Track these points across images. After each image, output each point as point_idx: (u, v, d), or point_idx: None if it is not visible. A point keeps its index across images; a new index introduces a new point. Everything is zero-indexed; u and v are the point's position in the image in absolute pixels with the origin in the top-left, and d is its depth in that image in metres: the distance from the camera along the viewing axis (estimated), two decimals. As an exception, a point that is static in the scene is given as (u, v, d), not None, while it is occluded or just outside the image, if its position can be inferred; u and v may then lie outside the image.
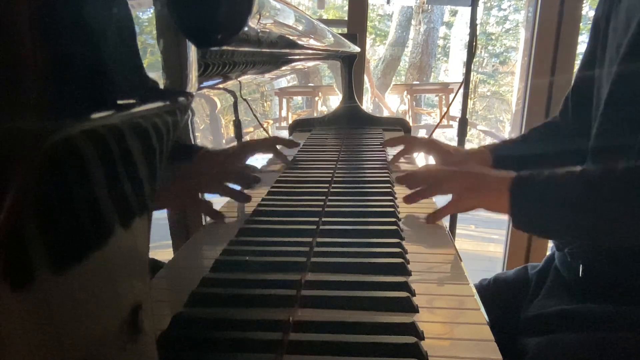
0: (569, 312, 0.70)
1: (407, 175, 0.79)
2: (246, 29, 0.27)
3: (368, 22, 1.93)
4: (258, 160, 1.00)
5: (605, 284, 0.71)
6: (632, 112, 0.69)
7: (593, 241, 0.72)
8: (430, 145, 1.03)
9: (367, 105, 5.58)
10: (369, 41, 7.04)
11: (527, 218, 0.66)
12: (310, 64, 1.53)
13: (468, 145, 1.75)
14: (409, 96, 5.44)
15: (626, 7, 0.73)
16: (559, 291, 0.77)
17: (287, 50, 0.96)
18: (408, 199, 0.76)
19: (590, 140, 0.77)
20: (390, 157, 1.10)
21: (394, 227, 0.65)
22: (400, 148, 1.08)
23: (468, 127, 1.80)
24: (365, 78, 3.21)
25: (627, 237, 0.63)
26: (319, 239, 0.61)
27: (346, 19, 1.86)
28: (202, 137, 0.77)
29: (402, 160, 1.08)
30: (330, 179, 0.89)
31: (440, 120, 2.95)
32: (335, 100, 1.69)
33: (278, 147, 1.06)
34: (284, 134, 1.45)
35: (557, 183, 0.64)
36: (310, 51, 1.16)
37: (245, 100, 0.95)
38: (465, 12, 5.80)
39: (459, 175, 0.72)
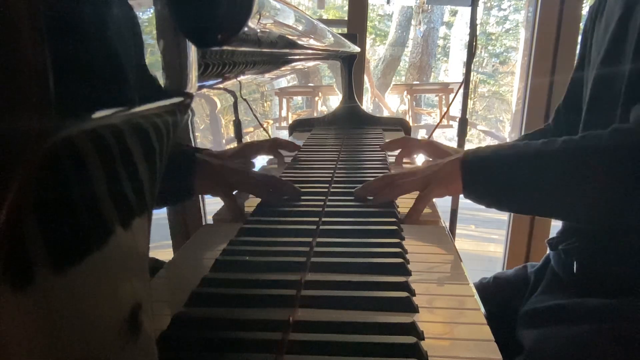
0: (563, 306, 0.71)
1: (364, 186, 0.76)
2: (246, 29, 0.27)
3: (368, 22, 1.93)
4: (257, 160, 1.00)
5: (599, 279, 0.72)
6: (608, 114, 0.71)
7: (538, 210, 0.74)
8: (429, 147, 1.03)
9: (367, 105, 5.58)
10: (369, 41, 7.04)
11: (477, 185, 0.68)
12: (310, 64, 1.54)
13: (468, 146, 1.75)
14: (409, 96, 5.45)
15: (606, 16, 0.76)
16: (555, 287, 0.79)
17: (287, 50, 0.96)
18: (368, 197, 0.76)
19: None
20: (389, 158, 1.10)
21: (394, 227, 0.65)
22: (398, 150, 1.09)
23: (468, 127, 1.80)
24: (365, 78, 3.21)
25: (568, 204, 0.65)
26: (319, 239, 0.61)
27: (346, 19, 1.86)
28: (202, 137, 0.77)
29: (404, 161, 1.08)
30: (330, 179, 0.89)
31: (440, 120, 2.95)
32: (335, 100, 1.69)
33: (279, 149, 1.06)
34: (284, 134, 1.45)
35: (503, 154, 0.67)
36: (310, 51, 1.16)
37: (245, 100, 0.95)
38: (465, 12, 5.79)
39: (412, 172, 0.74)
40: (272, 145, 1.05)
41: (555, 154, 0.63)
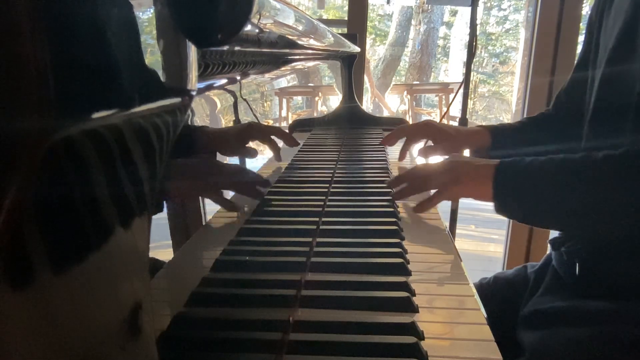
0: (565, 308, 0.71)
1: (395, 178, 0.80)
2: (246, 29, 0.27)
3: (368, 22, 1.93)
4: (258, 160, 1.00)
5: (602, 282, 0.71)
6: (617, 113, 0.69)
7: (573, 227, 0.73)
8: (428, 129, 1.02)
9: (367, 105, 5.57)
10: (369, 41, 7.04)
11: (510, 203, 0.67)
12: (310, 64, 1.53)
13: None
14: (409, 96, 5.44)
15: (614, 10, 0.74)
16: (556, 289, 0.78)
17: (287, 50, 0.96)
18: (398, 196, 0.77)
19: (582, 140, 0.78)
20: (389, 155, 1.10)
21: (394, 227, 0.65)
22: (400, 142, 1.09)
23: (468, 127, 1.80)
24: (365, 78, 3.21)
25: (607, 222, 0.64)
26: (319, 239, 0.61)
27: (346, 19, 1.86)
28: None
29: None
30: (330, 179, 0.89)
31: (440, 120, 2.94)
32: (335, 100, 1.69)
33: (277, 139, 1.06)
34: (284, 134, 1.44)
35: (539, 168, 0.65)
36: (310, 51, 1.16)
37: (245, 100, 0.95)
38: (465, 12, 5.79)
39: (443, 168, 0.73)
40: (282, 135, 1.04)
41: (597, 171, 0.62)
